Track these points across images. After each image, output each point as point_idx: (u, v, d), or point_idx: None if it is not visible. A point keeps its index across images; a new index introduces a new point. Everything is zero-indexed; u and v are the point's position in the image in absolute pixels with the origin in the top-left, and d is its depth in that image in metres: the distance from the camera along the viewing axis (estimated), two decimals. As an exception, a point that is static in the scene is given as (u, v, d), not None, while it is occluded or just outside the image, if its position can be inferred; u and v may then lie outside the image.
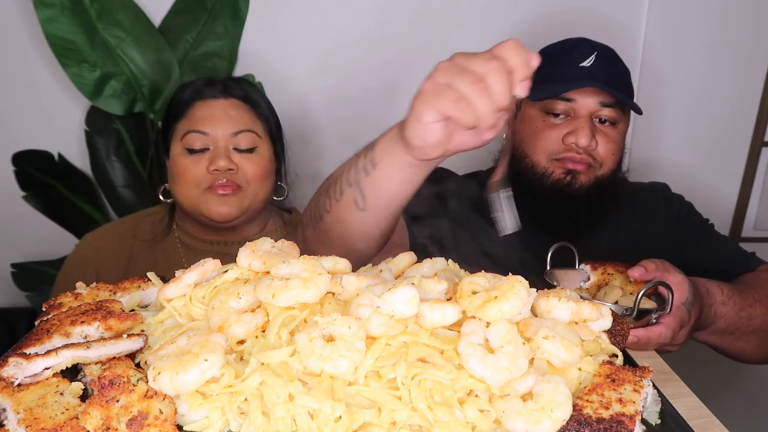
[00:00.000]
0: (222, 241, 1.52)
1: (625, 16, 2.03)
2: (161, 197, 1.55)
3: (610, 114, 1.37)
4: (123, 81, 1.83)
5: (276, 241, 0.82)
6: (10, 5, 1.82)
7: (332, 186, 1.05)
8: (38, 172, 1.89)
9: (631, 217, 1.49)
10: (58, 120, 1.93)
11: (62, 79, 1.86)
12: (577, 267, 1.16)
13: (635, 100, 1.42)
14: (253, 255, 0.78)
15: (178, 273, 0.78)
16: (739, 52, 2.05)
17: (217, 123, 1.42)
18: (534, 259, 1.15)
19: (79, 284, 0.86)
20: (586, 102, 1.35)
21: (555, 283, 1.09)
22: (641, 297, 0.97)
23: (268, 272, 0.75)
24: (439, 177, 1.53)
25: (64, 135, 1.94)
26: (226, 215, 1.42)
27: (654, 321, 1.03)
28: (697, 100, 2.09)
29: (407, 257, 0.88)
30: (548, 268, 1.12)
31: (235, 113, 1.46)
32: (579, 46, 1.40)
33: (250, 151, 1.45)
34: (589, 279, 1.15)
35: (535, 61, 0.82)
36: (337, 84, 2.00)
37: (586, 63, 1.35)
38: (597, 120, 1.37)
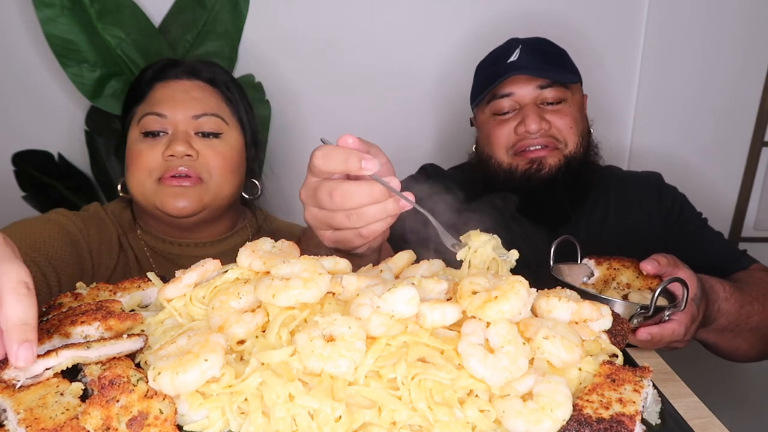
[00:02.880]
0: (192, 242, 1.38)
1: (625, 16, 2.03)
2: (120, 192, 1.37)
3: (554, 94, 1.43)
4: (123, 81, 1.83)
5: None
6: (10, 5, 1.82)
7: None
8: (38, 172, 1.89)
9: (623, 204, 1.51)
10: (58, 120, 1.93)
11: (62, 79, 1.86)
12: (579, 261, 1.14)
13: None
14: (254, 255, 0.78)
15: (178, 273, 0.78)
16: (738, 51, 2.05)
17: (178, 105, 1.28)
18: (530, 252, 1.15)
19: (80, 284, 0.86)
20: (524, 91, 1.43)
21: (560, 278, 1.07)
22: (658, 294, 0.95)
23: (268, 272, 0.75)
24: (429, 173, 1.57)
25: (64, 135, 1.94)
26: (182, 210, 1.25)
27: (666, 318, 1.02)
28: (696, 100, 2.09)
29: (406, 256, 0.88)
30: (551, 263, 1.11)
31: (199, 95, 1.31)
32: (506, 47, 1.49)
33: (215, 136, 1.30)
34: (593, 274, 1.13)
35: (351, 139, 0.82)
36: (338, 84, 2.00)
37: (513, 57, 1.44)
38: (544, 103, 1.44)
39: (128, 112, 1.35)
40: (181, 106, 1.29)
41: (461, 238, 0.86)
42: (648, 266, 1.06)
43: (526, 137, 1.41)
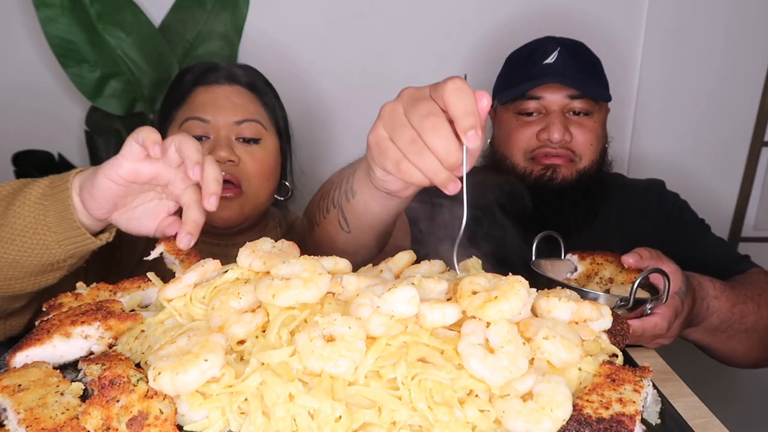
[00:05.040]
0: (222, 243, 1.42)
1: (625, 16, 2.04)
2: None
3: (582, 105, 1.40)
4: (123, 81, 1.83)
5: (277, 240, 0.82)
6: (10, 5, 1.82)
7: (323, 198, 1.04)
8: (38, 172, 1.89)
9: (623, 213, 1.50)
10: (58, 120, 1.93)
11: (62, 79, 1.86)
12: (563, 257, 1.13)
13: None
14: (253, 255, 0.78)
15: (178, 273, 0.78)
16: (739, 51, 2.06)
17: (220, 110, 1.32)
18: (525, 254, 1.14)
19: (80, 284, 0.86)
20: (554, 98, 1.39)
21: (541, 272, 1.06)
22: (638, 285, 0.93)
23: (268, 272, 0.75)
24: None
25: (64, 135, 1.94)
26: (227, 221, 1.32)
27: (648, 312, 1.00)
28: (696, 101, 2.10)
29: (406, 256, 0.88)
30: (534, 258, 1.08)
31: (240, 101, 1.35)
32: (543, 45, 1.44)
33: (255, 142, 1.35)
34: (576, 269, 1.12)
35: (486, 101, 0.73)
36: (339, 83, 2.00)
37: (550, 59, 1.40)
38: (570, 113, 1.40)
39: (167, 115, 1.39)
40: (223, 112, 1.32)
41: (463, 263, 0.83)
42: (630, 259, 1.04)
43: (547, 144, 1.39)
